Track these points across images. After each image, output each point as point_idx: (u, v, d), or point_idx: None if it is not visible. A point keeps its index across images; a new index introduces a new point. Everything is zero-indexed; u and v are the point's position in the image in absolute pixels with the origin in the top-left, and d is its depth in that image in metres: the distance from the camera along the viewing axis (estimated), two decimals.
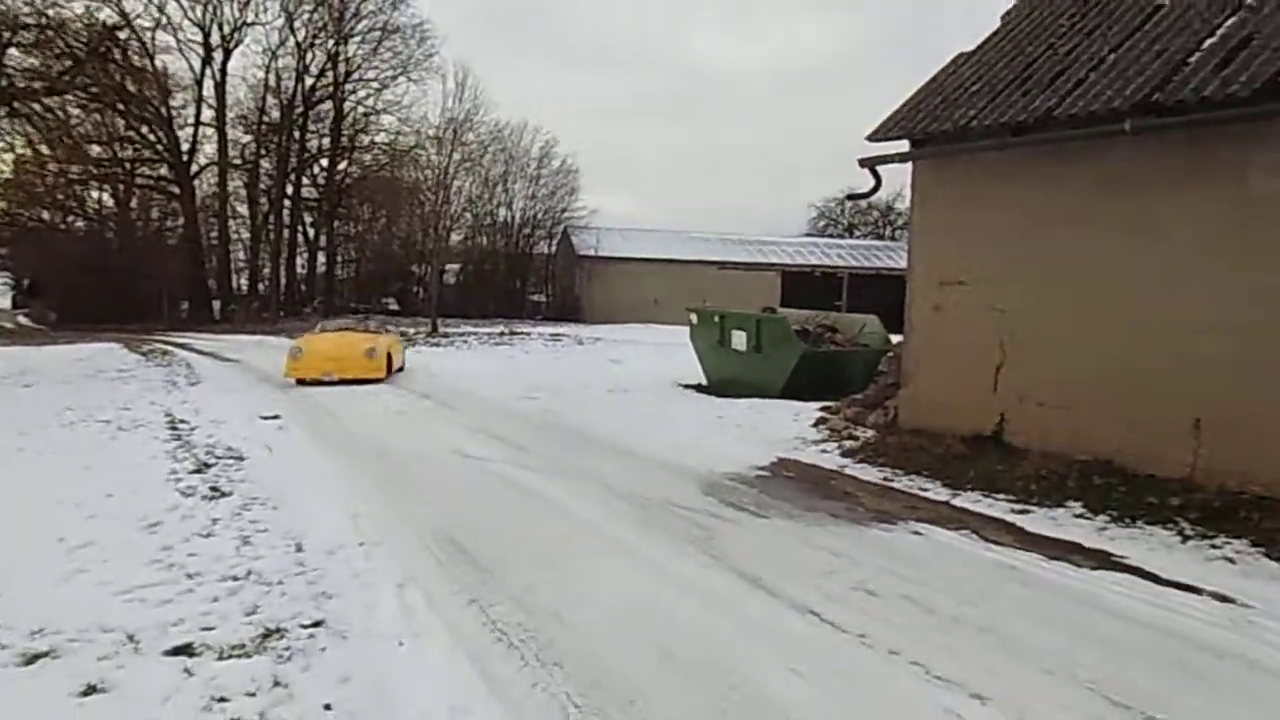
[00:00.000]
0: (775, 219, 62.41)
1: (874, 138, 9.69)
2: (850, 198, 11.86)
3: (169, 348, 24.23)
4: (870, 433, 9.74)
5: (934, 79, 9.90)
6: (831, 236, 54.49)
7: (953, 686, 3.72)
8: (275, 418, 10.92)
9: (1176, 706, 3.59)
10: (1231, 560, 5.51)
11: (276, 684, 3.55)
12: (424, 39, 43.15)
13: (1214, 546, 5.75)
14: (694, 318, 15.45)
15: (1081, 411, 7.83)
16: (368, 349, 14.94)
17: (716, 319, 14.64)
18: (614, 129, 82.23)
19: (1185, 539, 5.94)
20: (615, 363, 19.42)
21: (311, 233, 48.39)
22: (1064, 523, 6.38)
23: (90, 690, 3.44)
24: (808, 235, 54.26)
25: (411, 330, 27.99)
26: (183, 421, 10.38)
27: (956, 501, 7.05)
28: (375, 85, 44.68)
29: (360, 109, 45.40)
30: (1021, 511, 6.69)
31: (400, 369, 16.74)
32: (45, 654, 3.75)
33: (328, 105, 45.23)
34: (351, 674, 3.68)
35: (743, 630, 4.36)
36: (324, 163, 46.61)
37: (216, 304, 44.34)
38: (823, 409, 10.98)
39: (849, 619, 4.47)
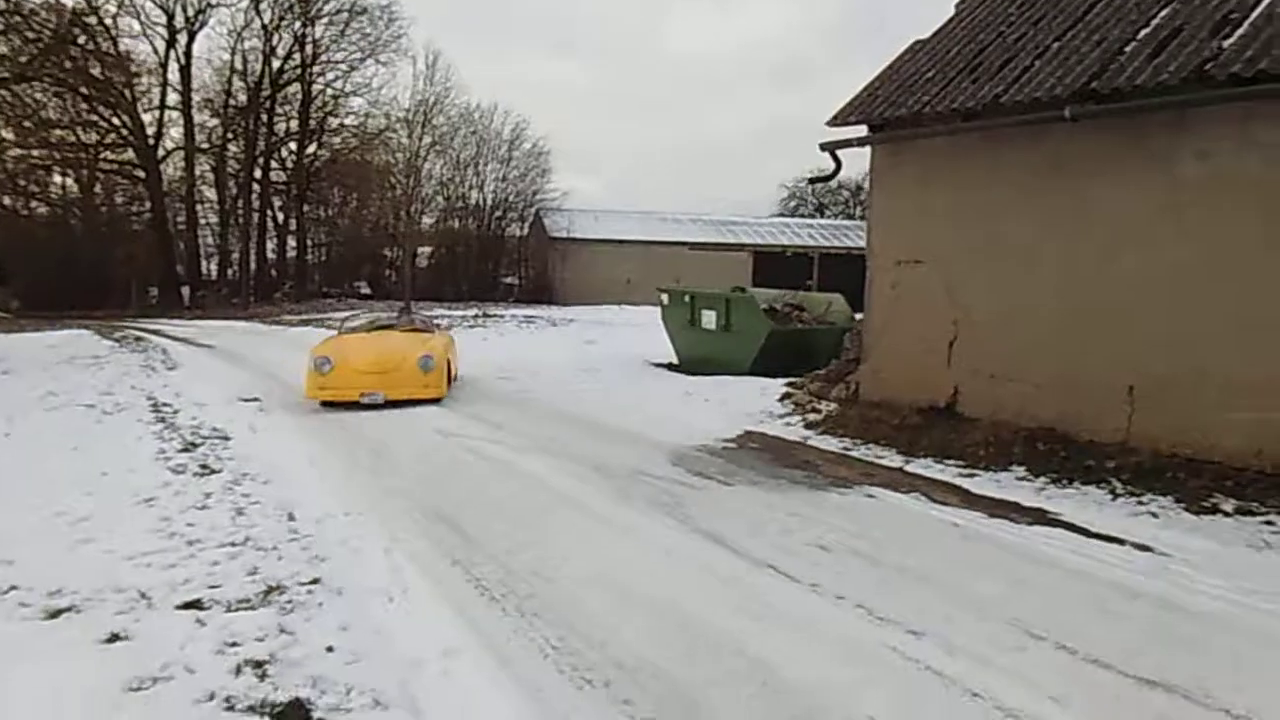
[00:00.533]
0: (747, 199, 62.88)
1: (834, 122, 10.08)
2: (813, 181, 12.26)
3: (141, 334, 24.23)
4: (833, 406, 10.18)
5: (891, 66, 10.29)
6: (802, 216, 54.94)
7: (891, 624, 4.16)
8: (255, 400, 11.18)
9: (1088, 637, 4.04)
10: (1155, 515, 6.01)
11: (283, 631, 3.92)
12: (392, 20, 42.90)
13: (1141, 503, 6.25)
14: (665, 298, 15.82)
15: (1029, 383, 8.30)
16: (421, 357, 10.82)
17: (687, 299, 15.02)
18: (585, 111, 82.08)
19: (1116, 497, 6.44)
20: (589, 343, 19.76)
21: (281, 217, 48.12)
22: (1007, 484, 6.86)
23: (114, 638, 3.80)
24: (779, 215, 54.68)
25: (385, 315, 28.10)
26: (165, 404, 10.61)
27: (909, 467, 7.51)
28: (344, 67, 44.40)
29: (329, 91, 45.09)
30: (968, 475, 7.17)
31: (455, 378, 12.58)
32: (67, 609, 4.09)
33: (295, 88, 44.84)
34: (349, 623, 4.06)
35: (707, 583, 4.77)
36: (292, 146, 46.26)
37: (186, 290, 44.07)
38: (788, 384, 11.41)
39: (803, 571, 4.90)
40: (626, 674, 3.68)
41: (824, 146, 10.00)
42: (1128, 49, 7.75)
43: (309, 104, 44.97)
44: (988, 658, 3.83)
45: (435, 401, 10.75)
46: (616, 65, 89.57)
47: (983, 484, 6.90)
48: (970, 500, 6.45)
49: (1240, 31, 7.10)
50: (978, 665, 3.76)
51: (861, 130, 9.94)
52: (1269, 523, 5.77)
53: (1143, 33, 7.84)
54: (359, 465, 7.59)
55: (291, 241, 48.47)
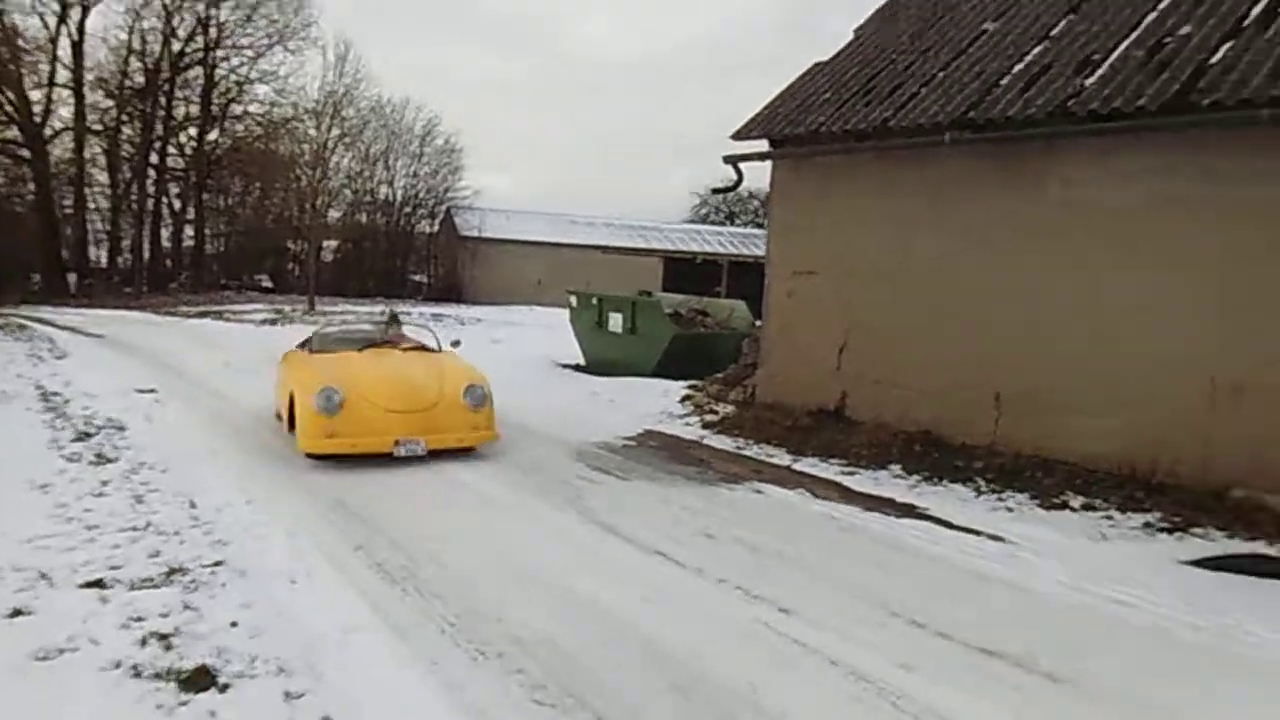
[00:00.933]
0: (660, 204, 63.74)
1: (737, 136, 10.54)
2: (716, 191, 12.72)
3: (24, 322, 23.15)
4: (730, 408, 10.63)
5: (792, 85, 10.81)
6: (713, 224, 55.88)
7: (764, 603, 4.54)
8: (151, 391, 10.98)
9: (938, 615, 4.50)
10: (1011, 510, 6.60)
11: (187, 608, 4.06)
12: (301, 8, 41.94)
13: (1000, 499, 6.84)
14: (573, 300, 16.10)
15: (910, 389, 8.88)
16: (467, 387, 7.97)
17: (594, 302, 15.33)
18: (500, 110, 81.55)
19: (979, 494, 7.02)
20: (496, 343, 19.85)
21: (178, 204, 46.40)
22: (883, 482, 7.38)
23: (16, 613, 3.88)
24: (690, 222, 55.48)
25: (288, 308, 27.57)
26: (55, 394, 10.33)
27: (797, 466, 7.97)
28: (249, 53, 43.11)
29: (233, 77, 43.75)
30: (850, 473, 7.67)
31: None
32: None
33: (197, 72, 43.36)
34: (252, 601, 4.21)
35: (600, 568, 5.08)
36: (192, 131, 44.67)
37: (72, 277, 42.03)
38: (689, 387, 11.83)
39: (689, 557, 5.25)
40: (520, 647, 3.94)
41: (727, 159, 10.44)
42: (1003, 81, 8.40)
43: (211, 89, 43.51)
44: (849, 632, 4.24)
45: (469, 452, 7.89)
46: (533, 63, 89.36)
47: (862, 481, 7.40)
48: (849, 496, 6.93)
49: (1100, 71, 7.79)
50: (839, 638, 4.16)
51: (763, 145, 10.44)
52: (1108, 517, 6.41)
53: (1017, 67, 8.51)
54: (262, 456, 7.62)
55: (189, 230, 46.76)
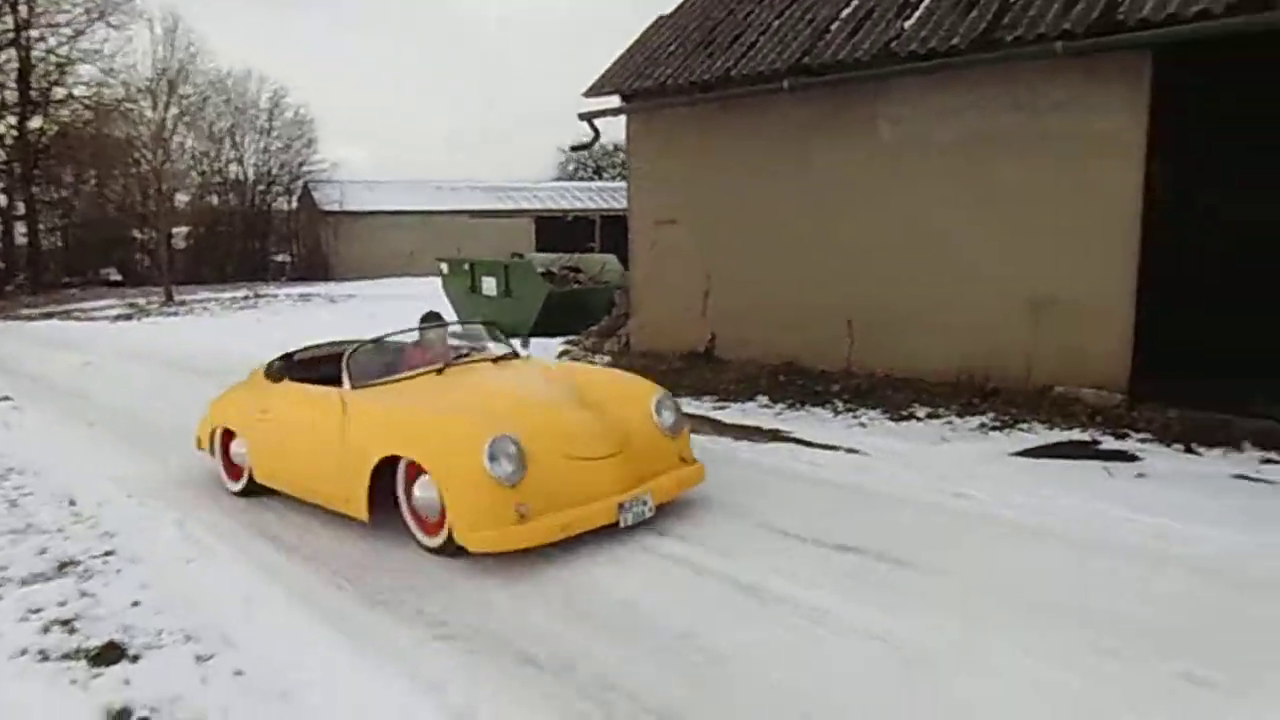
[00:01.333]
0: (525, 166, 63.04)
1: (590, 93, 10.78)
2: (574, 149, 12.91)
3: None
4: (607, 359, 10.99)
5: (639, 39, 11.09)
6: (582, 180, 55.76)
7: (643, 532, 4.94)
8: (6, 399, 10.50)
9: (801, 522, 4.99)
10: (864, 425, 7.23)
11: (84, 595, 4.15)
12: None
13: (855, 417, 7.47)
14: (444, 267, 16.10)
15: (771, 325, 9.43)
16: (655, 402, 5.50)
17: (467, 267, 15.39)
18: (346, 81, 78.31)
19: (837, 414, 7.63)
20: (371, 316, 19.57)
21: (3, 200, 43.05)
22: (751, 412, 7.91)
23: None
24: (558, 180, 55.22)
25: (142, 301, 26.30)
26: None
27: None
28: (68, 31, 40.10)
29: (52, 58, 40.63)
30: (721, 407, 8.17)
31: None
32: None
33: (9, 54, 40.08)
34: (150, 582, 4.32)
35: None
36: (12, 120, 41.40)
37: None
38: (567, 342, 12.13)
39: None
40: (417, 594, 4.22)
41: (582, 116, 10.69)
42: (833, 27, 8.90)
43: (28, 73, 40.32)
44: (721, 546, 4.69)
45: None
46: (378, 31, 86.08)
47: (732, 414, 7.91)
48: (720, 428, 7.41)
49: (918, 13, 8.35)
50: (715, 554, 4.60)
51: (614, 100, 10.71)
52: (949, 423, 7.12)
53: (845, 12, 9.02)
54: (135, 450, 7.50)
55: (21, 228, 43.52)
